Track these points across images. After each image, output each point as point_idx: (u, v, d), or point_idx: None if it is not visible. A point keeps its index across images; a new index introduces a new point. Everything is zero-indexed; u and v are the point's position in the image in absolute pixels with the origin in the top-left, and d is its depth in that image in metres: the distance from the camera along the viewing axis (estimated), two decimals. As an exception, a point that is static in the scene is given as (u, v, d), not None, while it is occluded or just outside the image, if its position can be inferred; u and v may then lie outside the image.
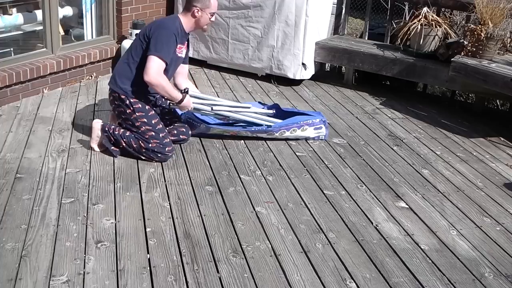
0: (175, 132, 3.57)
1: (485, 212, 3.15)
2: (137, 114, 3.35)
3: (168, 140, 3.38)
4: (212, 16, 3.44)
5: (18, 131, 3.74)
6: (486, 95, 4.90)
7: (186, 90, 3.51)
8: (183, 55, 3.49)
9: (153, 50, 3.22)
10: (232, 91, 4.93)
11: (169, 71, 3.40)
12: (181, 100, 3.38)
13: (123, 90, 3.35)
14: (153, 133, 3.33)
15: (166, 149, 3.34)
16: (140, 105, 3.36)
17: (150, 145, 3.33)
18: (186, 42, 3.52)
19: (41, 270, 2.34)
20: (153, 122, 3.36)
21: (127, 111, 3.36)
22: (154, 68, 3.21)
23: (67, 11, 5.04)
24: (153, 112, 3.41)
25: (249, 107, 3.86)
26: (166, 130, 3.45)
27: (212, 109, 3.59)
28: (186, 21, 3.40)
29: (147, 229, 2.70)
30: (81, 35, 5.06)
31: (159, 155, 3.35)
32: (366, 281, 2.44)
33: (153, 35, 3.26)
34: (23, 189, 2.99)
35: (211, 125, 3.76)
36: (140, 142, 3.34)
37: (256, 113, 3.86)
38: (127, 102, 3.35)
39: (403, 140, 4.12)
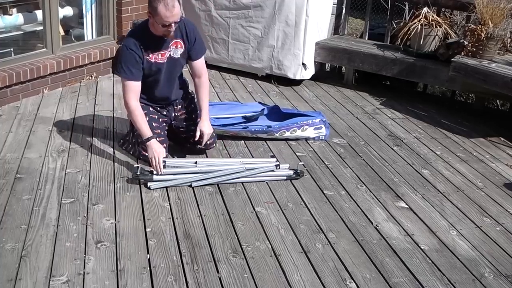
0: (192, 140, 3.44)
1: (485, 212, 3.15)
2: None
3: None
4: (165, 27, 3.04)
5: (18, 131, 3.74)
6: (486, 95, 4.90)
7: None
8: (177, 55, 3.27)
9: (118, 71, 3.18)
10: (232, 91, 4.93)
11: (160, 79, 3.28)
12: (147, 140, 3.14)
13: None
14: (139, 139, 3.29)
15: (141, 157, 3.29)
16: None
17: (139, 151, 3.34)
18: (178, 42, 3.23)
19: (41, 270, 2.34)
20: None
21: None
22: (125, 93, 3.16)
23: (67, 11, 5.04)
24: (146, 118, 3.28)
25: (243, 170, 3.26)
26: (162, 138, 3.30)
27: (191, 185, 3.14)
28: (150, 25, 3.13)
29: (147, 229, 2.70)
30: (81, 35, 5.07)
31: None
32: (366, 281, 2.44)
33: (120, 49, 3.18)
34: (23, 189, 2.99)
35: (212, 126, 3.76)
36: (136, 146, 3.34)
37: (251, 169, 3.27)
38: None
39: (403, 140, 4.12)
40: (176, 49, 3.26)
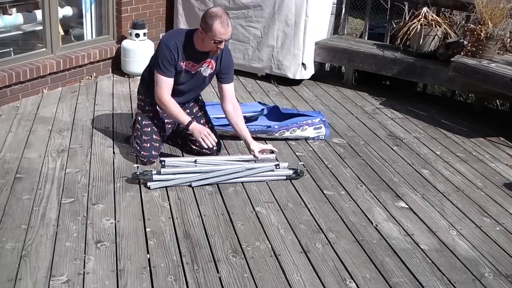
0: (198, 144, 3.47)
1: (485, 212, 3.15)
2: (138, 110, 3.48)
3: (148, 145, 3.33)
4: (218, 43, 3.14)
5: (18, 131, 3.74)
6: (486, 95, 4.90)
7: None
8: (207, 74, 3.38)
9: (154, 64, 3.28)
10: (236, 89, 4.92)
11: (180, 87, 3.38)
12: (188, 125, 3.26)
13: (139, 90, 3.54)
14: (138, 133, 3.38)
15: (142, 153, 3.34)
16: (142, 103, 3.46)
17: (133, 143, 3.43)
18: (211, 61, 3.33)
19: (41, 270, 2.34)
20: (143, 123, 3.39)
21: (137, 106, 3.55)
22: (158, 87, 3.26)
23: (67, 11, 5.04)
24: (151, 114, 3.42)
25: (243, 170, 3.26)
26: (157, 137, 3.38)
27: (191, 184, 3.16)
28: (196, 38, 3.22)
29: (147, 229, 2.70)
30: (81, 35, 5.06)
31: (135, 154, 3.42)
32: (366, 281, 2.44)
33: (157, 49, 3.29)
34: (23, 189, 2.98)
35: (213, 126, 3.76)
36: (131, 137, 3.49)
37: (250, 168, 3.29)
38: (138, 97, 3.53)
39: (403, 140, 4.12)
40: (207, 68, 3.37)
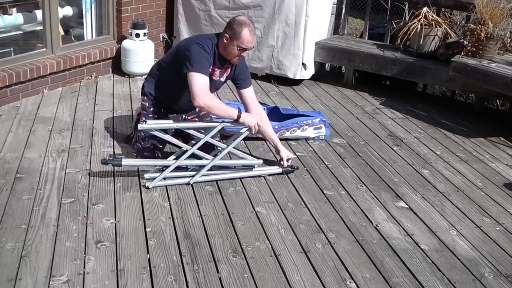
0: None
1: (485, 212, 3.15)
2: (142, 111, 3.46)
3: (152, 147, 3.33)
4: (242, 51, 3.14)
5: (18, 131, 3.74)
6: (486, 95, 4.90)
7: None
8: (223, 79, 3.37)
9: (189, 67, 3.09)
10: (231, 91, 4.93)
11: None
12: (238, 117, 3.17)
13: (145, 90, 3.45)
14: (142, 134, 3.37)
15: (145, 153, 3.33)
16: (147, 104, 3.43)
17: (136, 144, 3.43)
18: (229, 68, 3.32)
19: (41, 270, 2.34)
20: None
21: (142, 106, 3.50)
22: (197, 88, 3.05)
23: (67, 11, 5.04)
24: (156, 116, 3.40)
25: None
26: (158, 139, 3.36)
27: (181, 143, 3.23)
28: (220, 44, 3.19)
29: (147, 229, 2.70)
30: (81, 35, 5.07)
31: (136, 155, 3.41)
32: (366, 281, 2.44)
33: (188, 50, 3.13)
34: (23, 189, 2.98)
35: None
36: (135, 138, 3.47)
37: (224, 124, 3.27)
38: (143, 98, 3.48)
39: (403, 140, 4.12)
40: (223, 73, 3.36)
